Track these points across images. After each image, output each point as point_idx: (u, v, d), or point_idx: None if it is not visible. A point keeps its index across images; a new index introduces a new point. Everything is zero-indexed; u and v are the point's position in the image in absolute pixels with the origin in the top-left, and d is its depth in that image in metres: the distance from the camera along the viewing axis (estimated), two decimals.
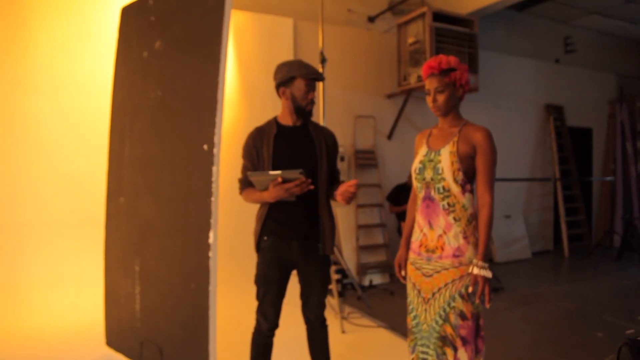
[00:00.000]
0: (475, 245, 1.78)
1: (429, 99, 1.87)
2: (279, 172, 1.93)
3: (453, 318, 1.76)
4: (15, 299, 3.38)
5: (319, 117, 3.87)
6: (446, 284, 1.77)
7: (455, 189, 1.79)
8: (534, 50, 6.76)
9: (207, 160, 2.15)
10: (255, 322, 2.15)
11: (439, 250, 1.81)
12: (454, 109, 1.87)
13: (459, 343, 1.76)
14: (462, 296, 1.75)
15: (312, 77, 2.08)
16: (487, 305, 1.72)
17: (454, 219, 1.79)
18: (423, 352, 1.84)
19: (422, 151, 1.91)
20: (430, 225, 1.84)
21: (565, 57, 7.08)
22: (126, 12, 2.82)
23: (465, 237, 1.78)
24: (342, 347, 3.07)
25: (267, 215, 2.10)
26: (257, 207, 2.19)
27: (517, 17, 6.56)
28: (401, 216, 4.84)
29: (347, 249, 4.93)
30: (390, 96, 5.39)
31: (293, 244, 2.09)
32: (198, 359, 2.15)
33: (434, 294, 1.80)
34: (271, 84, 2.16)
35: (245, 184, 2.12)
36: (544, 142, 6.85)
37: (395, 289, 4.52)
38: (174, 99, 2.42)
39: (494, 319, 3.64)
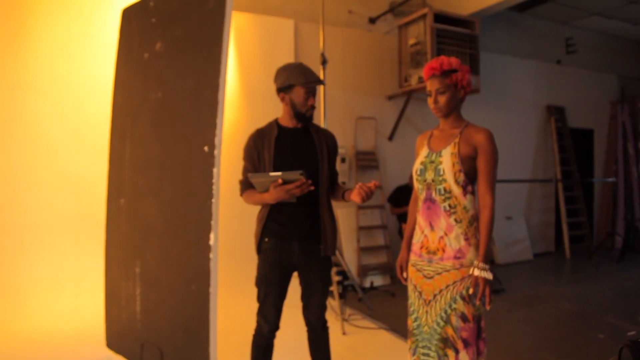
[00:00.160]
0: (477, 247, 1.77)
1: (430, 100, 1.86)
2: (279, 173, 1.93)
3: (454, 320, 1.75)
4: (15, 300, 3.38)
5: (320, 118, 3.87)
6: (447, 286, 1.77)
7: (457, 191, 1.78)
8: (535, 51, 6.75)
9: (208, 161, 2.15)
10: (255, 324, 2.14)
11: (440, 252, 1.80)
12: (455, 110, 1.87)
13: (460, 345, 1.75)
14: (463, 298, 1.75)
15: (311, 85, 2.07)
16: (488, 307, 1.71)
17: (455, 220, 1.79)
18: (424, 354, 1.83)
19: (423, 152, 1.90)
20: (432, 227, 1.83)
21: (566, 58, 7.07)
22: (127, 13, 2.82)
23: (466, 239, 1.77)
24: (343, 349, 3.06)
25: (268, 216, 2.10)
26: (257, 208, 2.18)
27: (518, 18, 6.56)
28: (402, 218, 4.83)
29: (348, 250, 4.92)
30: (391, 97, 5.39)
31: (294, 245, 2.09)
32: None
33: (435, 295, 1.79)
34: (272, 85, 2.16)
35: (246, 186, 2.12)
36: (545, 143, 6.84)
37: (396, 291, 4.52)
38: (174, 101, 2.41)
39: (495, 321, 3.63)
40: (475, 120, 1.92)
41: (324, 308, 2.17)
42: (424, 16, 4.81)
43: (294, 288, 2.16)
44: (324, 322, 2.19)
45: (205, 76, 2.22)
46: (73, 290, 3.54)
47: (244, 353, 2.23)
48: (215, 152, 2.12)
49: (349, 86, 5.15)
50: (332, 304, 3.52)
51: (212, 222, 2.11)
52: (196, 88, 2.28)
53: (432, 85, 1.84)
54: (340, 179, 2.34)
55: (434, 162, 1.83)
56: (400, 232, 4.95)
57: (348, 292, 4.23)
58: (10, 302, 3.36)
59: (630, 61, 7.89)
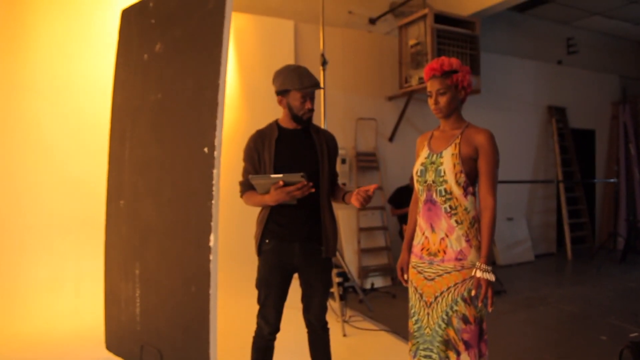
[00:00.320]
0: (478, 248, 1.76)
1: (430, 101, 1.85)
2: (280, 175, 1.92)
3: (456, 322, 1.74)
4: (15, 301, 3.37)
5: (320, 119, 3.86)
6: (448, 288, 1.76)
7: (457, 192, 1.77)
8: (536, 51, 6.74)
9: (208, 163, 2.14)
10: (256, 326, 2.13)
11: (441, 254, 1.79)
12: (456, 111, 1.86)
13: (462, 347, 1.74)
14: (464, 300, 1.74)
15: (306, 90, 2.05)
16: (489, 309, 1.70)
17: (456, 221, 1.78)
18: (426, 357, 1.82)
19: (424, 153, 1.89)
20: (432, 229, 1.82)
21: (567, 59, 7.06)
22: (126, 14, 2.81)
23: (467, 240, 1.76)
24: (343, 351, 3.05)
25: (269, 218, 2.09)
26: (257, 210, 2.17)
27: (518, 19, 6.55)
28: (403, 219, 4.82)
29: (348, 251, 4.91)
30: (391, 98, 5.38)
31: (295, 246, 2.08)
32: None
33: (436, 297, 1.78)
34: (272, 86, 2.15)
35: (246, 187, 2.11)
36: (546, 144, 6.83)
37: (397, 292, 4.50)
38: (174, 102, 2.41)
39: (496, 322, 3.62)
40: (476, 121, 1.91)
41: (324, 309, 2.16)
42: (424, 17, 4.80)
43: (295, 289, 2.15)
44: (325, 323, 2.18)
45: (205, 77, 2.21)
46: (73, 292, 3.53)
47: (244, 355, 2.22)
48: (215, 153, 2.12)
49: (349, 87, 5.15)
50: (333, 305, 3.51)
51: (212, 224, 2.11)
52: (196, 89, 2.28)
53: (432, 86, 1.83)
54: (341, 180, 2.33)
55: (435, 163, 1.82)
56: (401, 234, 4.94)
57: (349, 294, 4.22)
58: (10, 303, 3.35)
59: (631, 61, 7.88)
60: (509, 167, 5.60)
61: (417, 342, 1.85)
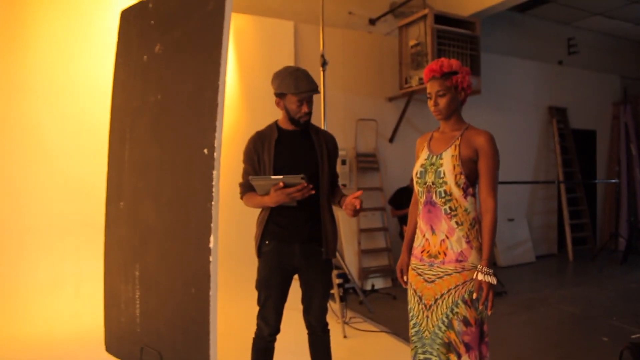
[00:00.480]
0: (479, 250, 1.75)
1: (430, 103, 1.85)
2: (280, 176, 1.92)
3: (456, 324, 1.73)
4: (15, 303, 3.37)
5: (320, 120, 3.86)
6: (449, 290, 1.75)
7: (457, 193, 1.76)
8: (536, 52, 6.73)
9: (208, 164, 2.14)
10: (256, 327, 2.13)
11: (441, 256, 1.78)
12: (456, 113, 1.85)
13: (462, 349, 1.73)
14: (465, 302, 1.73)
15: (303, 95, 2.03)
16: (489, 312, 1.70)
17: (456, 223, 1.77)
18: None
19: (424, 155, 1.88)
20: (433, 230, 1.81)
21: (568, 59, 7.05)
22: (126, 15, 2.81)
23: (468, 242, 1.76)
24: (344, 352, 3.04)
25: (269, 219, 2.09)
26: (257, 211, 2.17)
27: (519, 19, 6.54)
28: (403, 220, 4.81)
29: (348, 253, 4.91)
30: (391, 99, 5.38)
31: (295, 247, 2.08)
32: None
33: (436, 300, 1.77)
34: (271, 87, 2.15)
35: (246, 188, 2.11)
36: (547, 145, 6.82)
37: (398, 294, 4.50)
38: (174, 103, 2.40)
39: (497, 324, 3.61)
40: (477, 122, 1.90)
41: (324, 311, 2.16)
42: (424, 17, 4.80)
43: (295, 291, 2.15)
44: (325, 325, 2.18)
45: (205, 78, 2.21)
46: (72, 294, 3.53)
47: (244, 356, 2.22)
48: (215, 154, 2.11)
49: (349, 88, 5.14)
50: (333, 306, 3.50)
51: (212, 225, 2.10)
52: (196, 90, 2.27)
53: (432, 88, 1.82)
54: (341, 181, 2.33)
55: (435, 165, 1.81)
56: (401, 235, 4.94)
57: (349, 295, 4.21)
58: (10, 304, 3.35)
59: (632, 62, 7.87)
60: (509, 168, 5.60)
61: (416, 346, 1.85)
